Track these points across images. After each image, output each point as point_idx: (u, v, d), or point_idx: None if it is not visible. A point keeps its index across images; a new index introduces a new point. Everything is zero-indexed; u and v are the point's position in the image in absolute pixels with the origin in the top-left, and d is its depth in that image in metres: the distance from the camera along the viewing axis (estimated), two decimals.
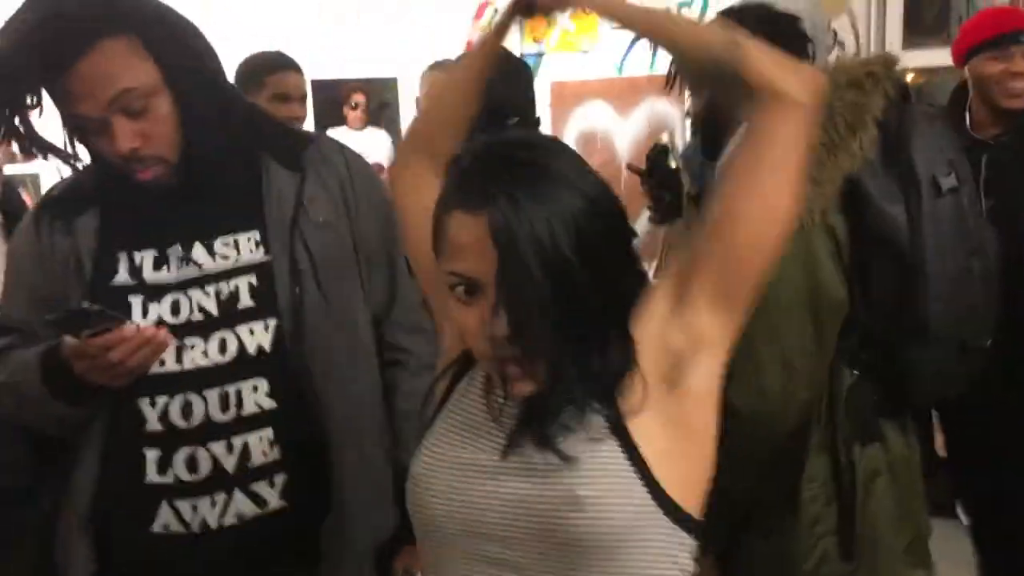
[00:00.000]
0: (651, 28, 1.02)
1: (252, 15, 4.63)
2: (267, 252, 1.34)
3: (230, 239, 1.34)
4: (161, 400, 1.29)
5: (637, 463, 0.90)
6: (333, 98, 4.88)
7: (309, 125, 5.34)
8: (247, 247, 1.34)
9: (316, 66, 5.17)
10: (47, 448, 1.41)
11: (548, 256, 0.84)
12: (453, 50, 3.91)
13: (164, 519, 1.29)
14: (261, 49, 2.72)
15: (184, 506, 1.29)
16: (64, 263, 1.35)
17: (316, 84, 5.49)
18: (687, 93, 1.90)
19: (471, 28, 5.10)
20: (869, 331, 1.48)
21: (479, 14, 5.17)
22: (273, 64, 2.65)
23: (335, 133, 4.51)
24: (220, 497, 1.30)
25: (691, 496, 0.93)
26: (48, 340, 1.28)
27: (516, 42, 4.90)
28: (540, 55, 5.14)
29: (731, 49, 0.94)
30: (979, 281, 1.51)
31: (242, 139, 1.38)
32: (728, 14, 1.81)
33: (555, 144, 0.94)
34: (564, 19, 5.07)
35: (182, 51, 1.31)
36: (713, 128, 1.69)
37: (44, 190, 1.98)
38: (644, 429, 0.91)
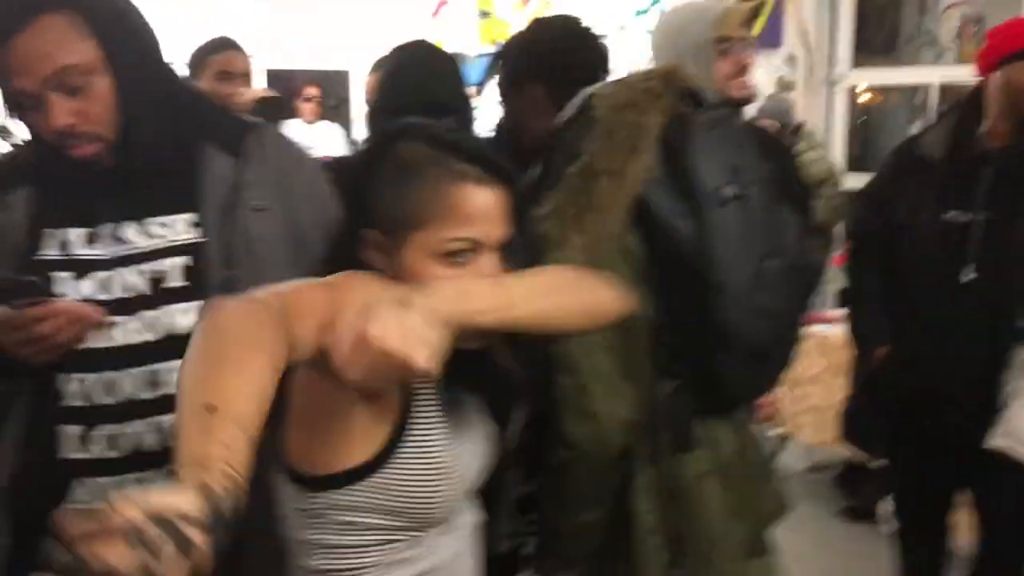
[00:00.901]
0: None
1: (204, 3, 4.62)
2: (202, 234, 1.35)
3: (166, 219, 1.35)
4: (85, 377, 1.30)
5: None
6: (285, 90, 4.87)
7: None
8: (182, 228, 1.35)
9: (268, 57, 5.18)
10: None
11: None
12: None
13: (80, 495, 1.30)
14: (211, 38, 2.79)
15: (103, 483, 1.29)
16: None
17: (270, 75, 5.49)
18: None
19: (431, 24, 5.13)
20: (678, 343, 1.50)
21: (436, 12, 5.19)
22: (216, 45, 2.74)
23: (289, 126, 4.50)
24: (140, 476, 1.30)
25: None
26: None
27: (475, 42, 4.94)
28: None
29: None
30: (774, 284, 1.51)
31: (182, 122, 1.39)
32: (539, 23, 1.91)
33: None
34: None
35: (125, 30, 1.31)
36: (512, 142, 1.85)
37: None
38: None
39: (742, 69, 1.84)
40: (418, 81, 1.94)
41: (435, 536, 1.14)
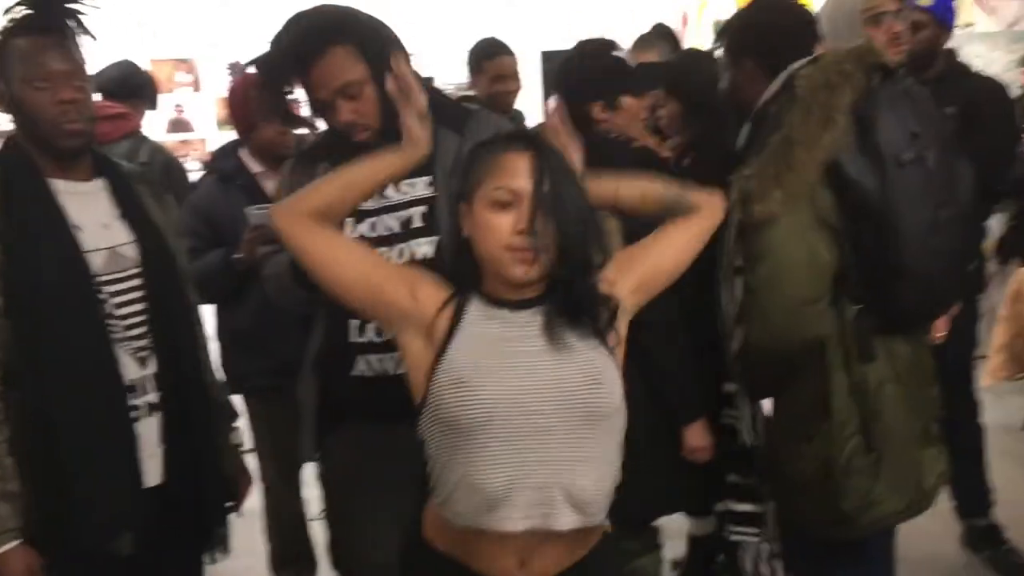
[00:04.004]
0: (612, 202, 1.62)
1: None
2: (435, 190, 1.93)
3: (412, 181, 1.94)
4: None
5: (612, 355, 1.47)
6: None
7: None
8: (422, 187, 1.94)
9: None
10: None
11: (567, 185, 1.44)
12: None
13: (360, 367, 1.94)
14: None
15: (372, 359, 1.93)
16: None
17: (545, 55, 6.19)
18: None
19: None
20: (863, 275, 1.84)
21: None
22: (490, 51, 3.35)
23: None
24: (397, 355, 1.91)
25: None
26: None
27: None
28: None
29: (681, 199, 1.62)
30: (945, 228, 1.83)
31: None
32: (759, 6, 2.11)
33: None
34: None
35: (385, 55, 1.91)
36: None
37: None
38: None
39: (894, 36, 2.07)
40: None
41: None
